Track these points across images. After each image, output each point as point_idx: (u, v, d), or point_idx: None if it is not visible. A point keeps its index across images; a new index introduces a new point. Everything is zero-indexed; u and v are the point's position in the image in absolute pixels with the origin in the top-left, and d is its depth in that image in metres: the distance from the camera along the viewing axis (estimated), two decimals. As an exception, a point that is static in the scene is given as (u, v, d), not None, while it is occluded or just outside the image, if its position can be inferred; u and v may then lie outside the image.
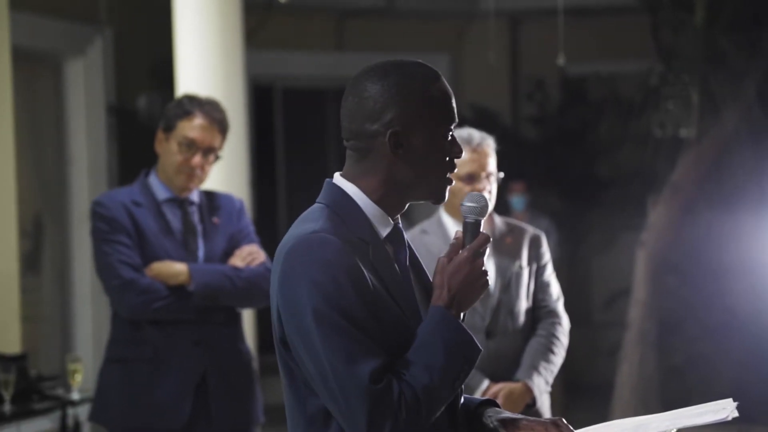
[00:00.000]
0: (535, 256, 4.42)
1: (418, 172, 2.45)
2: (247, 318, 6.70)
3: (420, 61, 2.50)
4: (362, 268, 2.36)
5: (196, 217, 4.59)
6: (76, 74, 8.96)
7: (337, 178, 2.50)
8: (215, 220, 4.61)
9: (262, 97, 11.03)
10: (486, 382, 4.26)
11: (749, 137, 8.28)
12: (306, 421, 2.44)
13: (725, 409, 2.58)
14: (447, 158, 2.47)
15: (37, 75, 8.86)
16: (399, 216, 2.53)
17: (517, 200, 9.88)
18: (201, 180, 4.57)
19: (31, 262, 8.55)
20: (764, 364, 8.44)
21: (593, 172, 10.99)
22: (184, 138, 4.49)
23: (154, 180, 4.57)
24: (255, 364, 4.80)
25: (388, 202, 2.48)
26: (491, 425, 2.55)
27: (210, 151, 4.53)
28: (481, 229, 2.47)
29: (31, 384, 5.68)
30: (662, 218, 8.31)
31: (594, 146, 10.94)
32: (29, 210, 8.41)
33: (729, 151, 8.37)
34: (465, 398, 2.62)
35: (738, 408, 2.59)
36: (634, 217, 9.20)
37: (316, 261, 2.34)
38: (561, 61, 8.02)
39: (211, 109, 4.56)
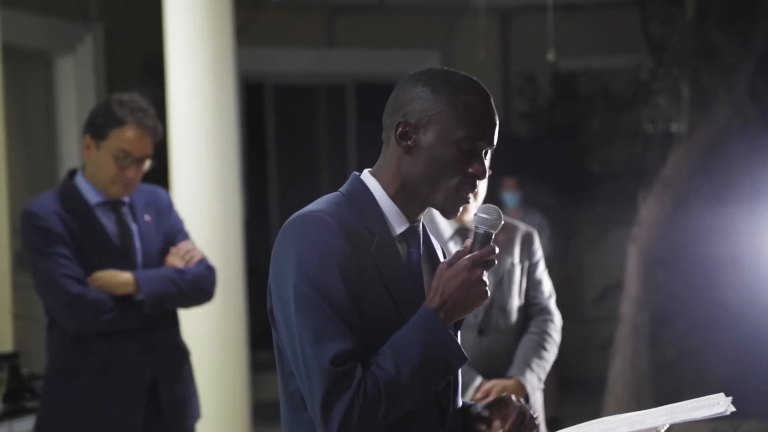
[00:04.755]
0: (527, 253, 4.42)
1: (425, 172, 2.46)
2: (241, 315, 6.70)
3: (475, 78, 2.52)
4: (356, 257, 2.38)
5: (129, 217, 4.45)
6: (67, 71, 8.94)
7: (364, 173, 2.55)
8: (147, 217, 4.49)
9: (252, 94, 11.02)
10: (479, 379, 4.27)
11: (740, 131, 8.29)
12: (288, 400, 2.47)
13: (720, 403, 2.58)
14: (461, 170, 2.46)
15: (28, 72, 8.85)
16: (420, 219, 2.55)
17: (509, 197, 9.88)
18: (135, 185, 4.43)
19: (22, 260, 8.52)
20: (755, 358, 8.45)
21: (584, 167, 11.00)
22: (119, 150, 4.32)
23: (82, 182, 4.42)
24: (192, 357, 4.67)
25: (403, 200, 2.50)
26: (473, 413, 2.59)
27: (144, 159, 4.39)
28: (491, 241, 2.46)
29: (23, 382, 5.66)
30: (653, 213, 8.31)
31: (585, 141, 10.95)
32: (20, 208, 8.37)
33: (720, 145, 8.37)
34: (465, 403, 2.63)
35: (732, 402, 2.59)
36: (626, 212, 9.20)
37: (306, 238, 2.37)
38: (551, 56, 8.02)
39: (143, 116, 4.37)
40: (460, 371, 2.53)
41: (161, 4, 6.77)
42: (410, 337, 2.35)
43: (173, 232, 4.56)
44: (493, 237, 2.46)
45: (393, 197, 2.49)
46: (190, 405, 4.55)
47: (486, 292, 2.42)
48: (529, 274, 4.42)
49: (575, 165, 11.00)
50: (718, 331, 8.80)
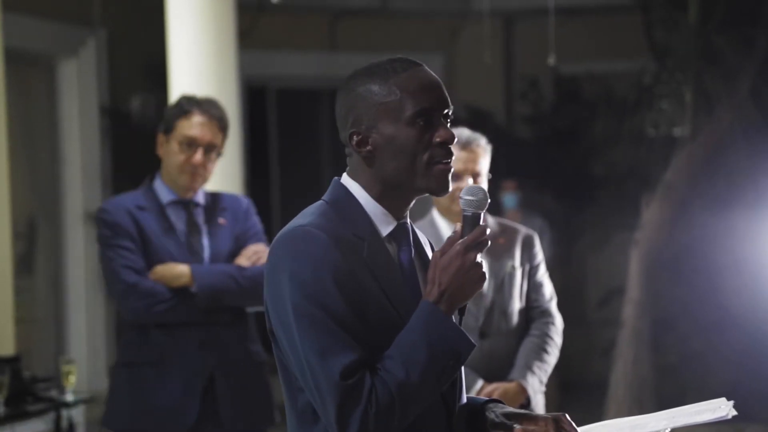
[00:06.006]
0: (527, 256, 4.42)
1: (396, 163, 2.43)
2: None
3: (398, 56, 2.49)
4: (349, 264, 2.35)
5: (201, 218, 4.55)
6: (70, 75, 8.95)
7: (344, 177, 2.52)
8: (221, 220, 4.57)
9: (255, 98, 11.02)
10: (480, 383, 4.26)
11: (743, 135, 8.28)
12: (297, 415, 2.44)
13: (722, 408, 2.57)
14: (428, 143, 2.43)
15: (31, 76, 8.86)
16: (407, 216, 2.52)
17: (508, 198, 9.87)
18: (205, 179, 4.54)
19: (24, 263, 8.54)
20: (758, 362, 8.45)
21: (587, 171, 10.99)
22: (184, 137, 4.46)
23: (158, 184, 4.54)
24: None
25: (389, 200, 2.47)
26: (496, 420, 2.54)
27: (211, 149, 4.50)
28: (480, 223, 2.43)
29: (24, 386, 5.68)
30: (656, 217, 8.30)
31: (588, 145, 10.94)
32: (23, 211, 8.40)
33: (723, 150, 8.37)
34: (469, 398, 2.62)
35: (733, 406, 2.59)
36: (628, 216, 9.20)
37: (298, 254, 2.35)
38: (551, 60, 8.02)
39: (209, 107, 4.53)
40: (462, 369, 2.52)
41: (164, 8, 6.78)
42: (415, 336, 2.33)
43: (246, 236, 4.62)
44: (481, 217, 2.42)
45: (377, 198, 2.46)
46: (255, 408, 4.56)
47: (483, 274, 2.39)
48: (530, 276, 4.42)
49: (578, 169, 10.99)
50: (721, 335, 8.79)
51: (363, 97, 2.44)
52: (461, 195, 2.42)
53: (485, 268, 2.40)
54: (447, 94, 2.48)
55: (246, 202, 4.72)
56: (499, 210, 9.66)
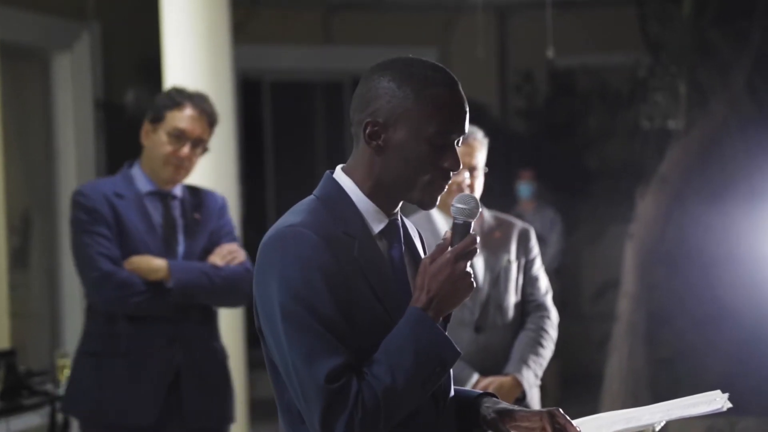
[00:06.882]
0: (523, 250, 4.42)
1: (399, 171, 2.41)
2: (236, 311, 6.69)
3: (439, 65, 2.46)
4: (339, 264, 2.34)
5: (177, 212, 4.53)
6: (64, 69, 8.93)
7: (337, 171, 2.49)
8: (197, 216, 4.55)
9: (250, 91, 11.02)
10: (475, 377, 4.26)
11: (738, 128, 8.29)
12: (284, 411, 2.44)
13: (716, 400, 2.58)
14: (435, 165, 2.42)
15: (25, 70, 8.84)
16: (398, 211, 2.50)
17: (524, 187, 9.88)
18: (188, 172, 4.52)
19: (19, 257, 8.53)
20: (753, 356, 8.45)
21: (582, 164, 11.00)
22: (174, 129, 4.44)
23: (137, 172, 4.51)
24: (229, 362, 4.71)
25: (379, 197, 2.45)
26: (489, 417, 2.53)
27: (199, 143, 4.49)
28: (471, 230, 2.43)
29: (19, 380, 5.67)
30: (651, 210, 8.31)
31: (582, 138, 10.95)
32: (17, 205, 8.38)
33: (718, 143, 8.38)
34: (462, 391, 2.61)
35: (728, 399, 2.59)
36: (623, 209, 9.20)
37: (287, 255, 2.33)
38: (550, 53, 8.01)
39: (200, 101, 4.52)
40: None
41: (158, 2, 6.77)
42: (402, 342, 2.32)
43: (220, 233, 4.61)
44: (471, 226, 2.42)
45: (369, 195, 2.44)
46: (217, 406, 4.56)
47: (471, 283, 2.38)
48: (526, 270, 4.42)
49: (573, 162, 11.00)
50: (716, 328, 8.80)
51: (393, 93, 2.40)
52: (453, 203, 2.42)
53: (481, 263, 2.40)
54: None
55: (221, 199, 4.71)
56: (514, 199, 9.72)
